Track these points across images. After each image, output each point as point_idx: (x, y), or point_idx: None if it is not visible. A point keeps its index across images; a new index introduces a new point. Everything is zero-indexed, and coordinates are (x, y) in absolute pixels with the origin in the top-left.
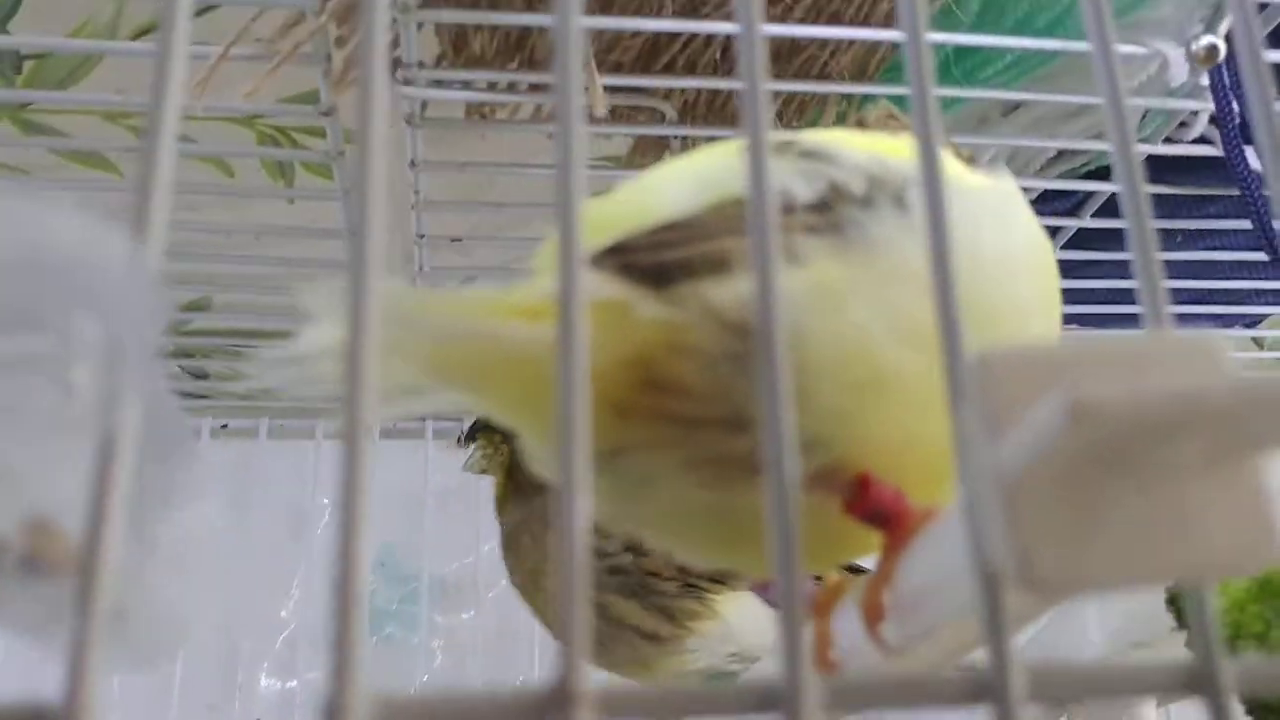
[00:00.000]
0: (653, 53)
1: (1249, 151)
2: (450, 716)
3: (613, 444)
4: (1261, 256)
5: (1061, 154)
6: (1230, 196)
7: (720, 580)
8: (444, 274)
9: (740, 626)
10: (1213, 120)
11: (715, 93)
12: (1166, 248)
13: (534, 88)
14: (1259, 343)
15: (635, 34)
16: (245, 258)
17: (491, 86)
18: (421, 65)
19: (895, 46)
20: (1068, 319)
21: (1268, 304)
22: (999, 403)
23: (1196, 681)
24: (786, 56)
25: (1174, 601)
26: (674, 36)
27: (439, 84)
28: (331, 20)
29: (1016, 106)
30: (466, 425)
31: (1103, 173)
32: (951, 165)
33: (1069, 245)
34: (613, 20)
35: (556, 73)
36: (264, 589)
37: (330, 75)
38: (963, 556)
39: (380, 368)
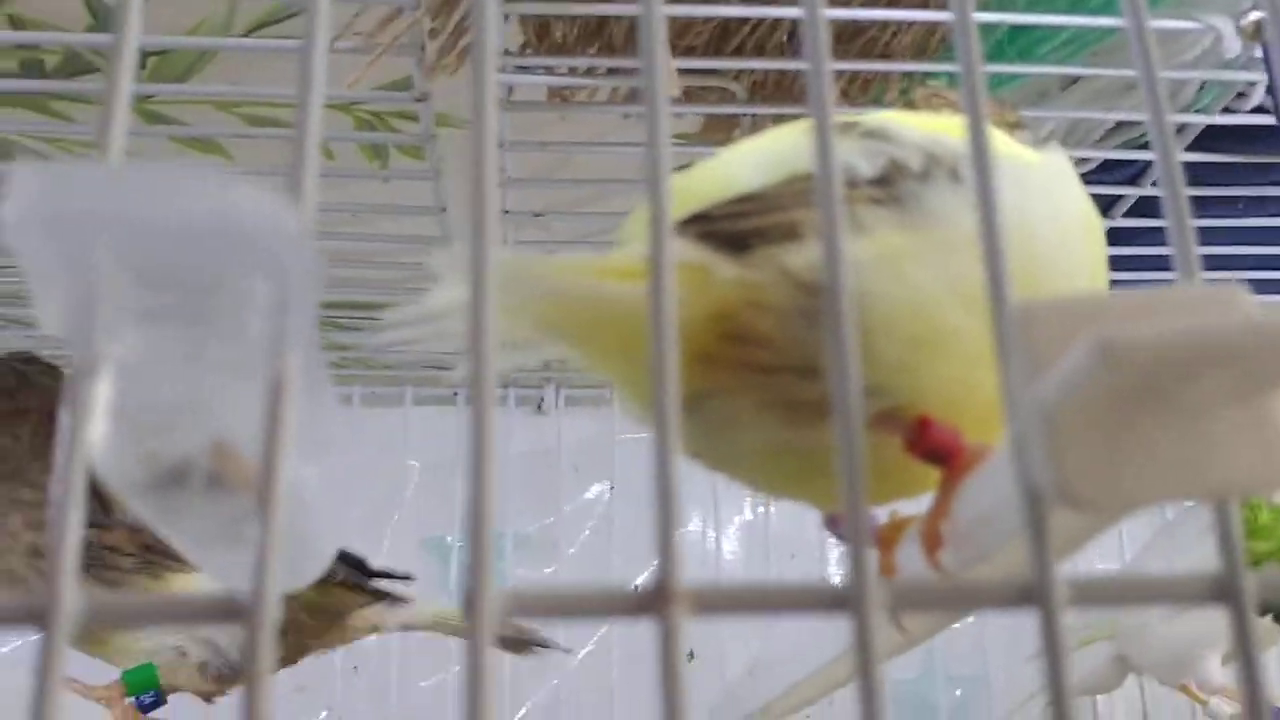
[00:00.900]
0: (723, 36)
1: None
2: (570, 606)
3: (699, 389)
4: None
5: (1121, 125)
6: None
7: (178, 559)
8: (527, 247)
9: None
10: (1269, 90)
11: (783, 73)
12: (1228, 215)
13: (611, 71)
14: None
15: (707, 19)
16: (341, 234)
17: (572, 71)
18: (508, 53)
19: (943, 36)
20: (1130, 284)
21: None
22: (1040, 346)
23: (1222, 591)
24: (850, 37)
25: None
26: (743, 21)
27: (524, 70)
28: (426, 14)
29: (1076, 80)
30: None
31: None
32: (1004, 142)
33: (1130, 213)
34: (686, 7)
35: (643, 57)
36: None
37: (424, 64)
38: (1013, 487)
39: (497, 324)
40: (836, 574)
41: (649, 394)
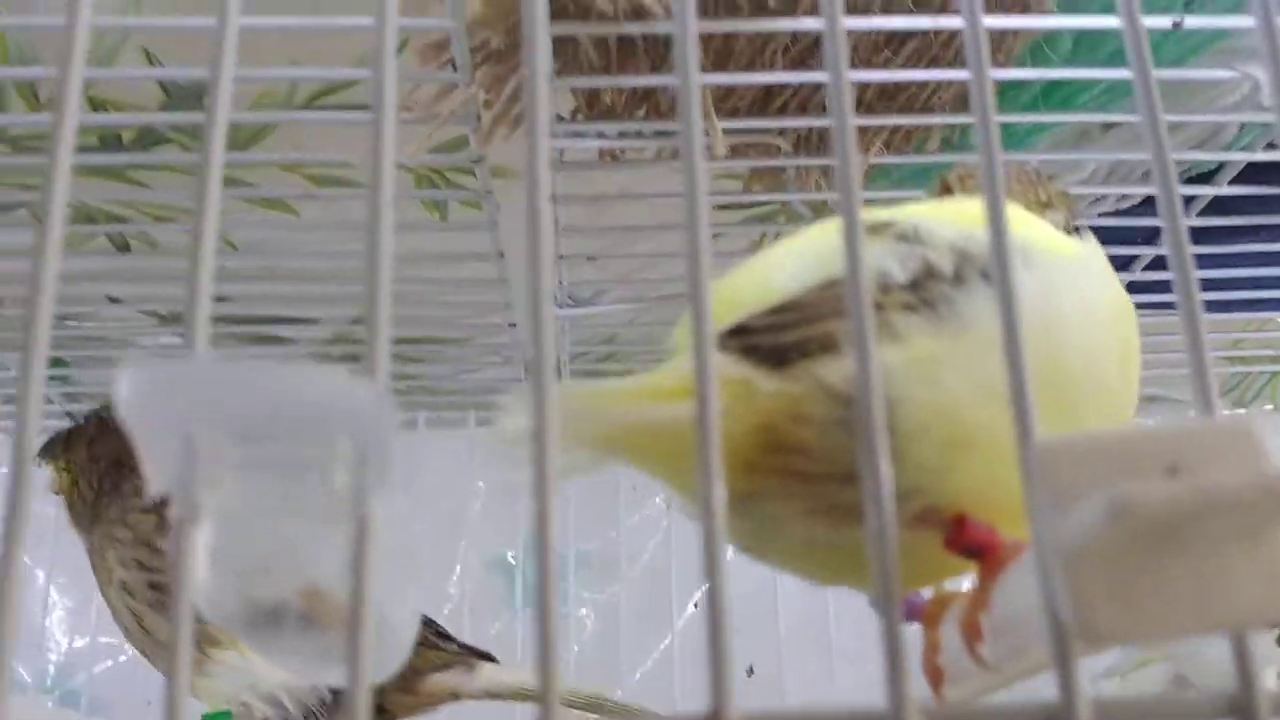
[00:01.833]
0: (767, 97)
1: None
2: None
3: (745, 491)
4: None
5: None
6: None
7: None
8: (581, 286)
9: (257, 661)
10: None
11: (826, 129)
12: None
13: (658, 133)
14: None
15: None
16: (407, 279)
17: (621, 134)
18: (560, 119)
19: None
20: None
21: None
22: (1061, 484)
23: (1237, 708)
24: (893, 93)
25: None
26: (785, 85)
27: (576, 135)
28: (479, 88)
29: (1115, 123)
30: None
31: (1204, 177)
32: (1035, 229)
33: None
34: (727, 76)
35: (684, 168)
36: (431, 566)
37: (479, 132)
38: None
39: (559, 449)
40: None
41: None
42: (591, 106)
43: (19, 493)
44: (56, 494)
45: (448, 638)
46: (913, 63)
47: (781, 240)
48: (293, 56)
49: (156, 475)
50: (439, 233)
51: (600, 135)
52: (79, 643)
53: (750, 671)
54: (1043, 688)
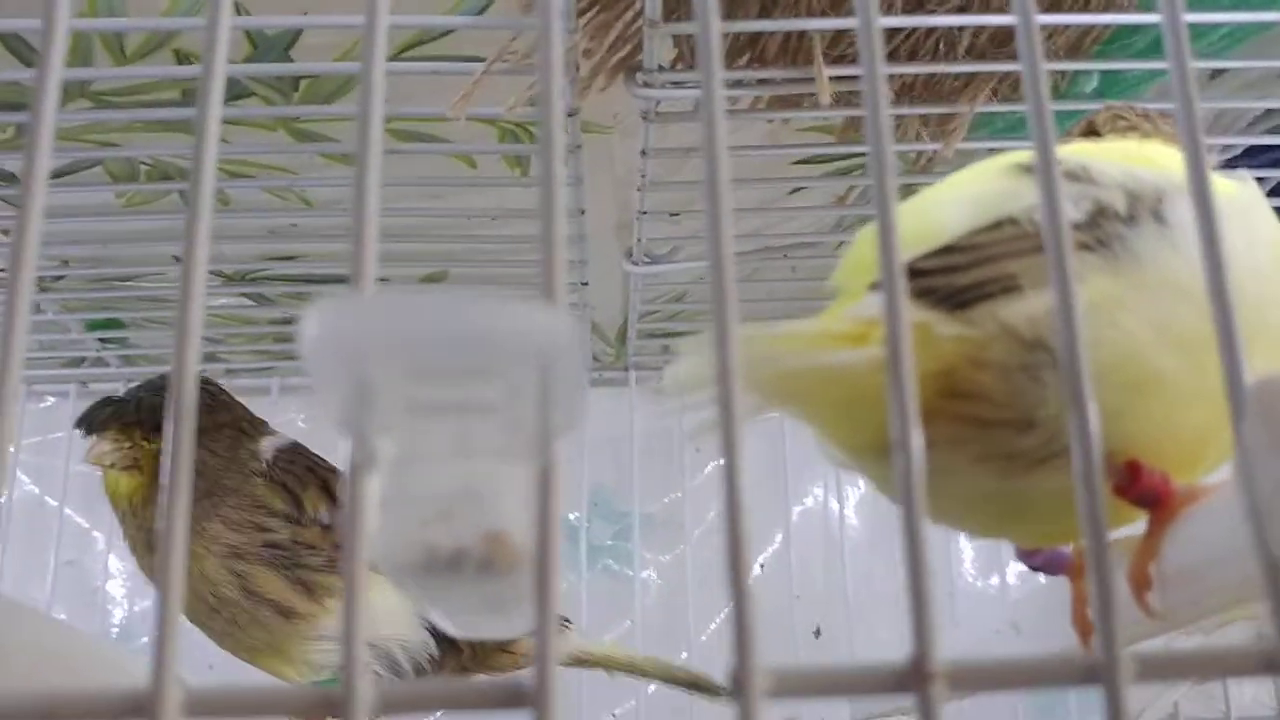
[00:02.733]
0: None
1: None
2: (830, 685)
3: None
4: None
5: (1269, 111)
6: None
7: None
8: (657, 243)
9: (374, 612)
10: None
11: (931, 75)
12: None
13: (761, 81)
14: None
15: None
16: (485, 236)
17: (731, 83)
18: (660, 68)
19: (1106, 29)
20: None
21: None
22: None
23: (1270, 663)
24: (1004, 40)
25: None
26: (896, 30)
27: (675, 85)
28: (584, 35)
29: (1222, 70)
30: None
31: None
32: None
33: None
34: (842, 20)
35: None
36: None
37: (576, 83)
38: (1232, 541)
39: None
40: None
41: (862, 444)
42: (694, 53)
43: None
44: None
45: None
46: (1044, 8)
47: (938, 183)
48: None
49: (337, 418)
50: (521, 189)
51: (698, 85)
52: (139, 606)
53: (818, 633)
54: None
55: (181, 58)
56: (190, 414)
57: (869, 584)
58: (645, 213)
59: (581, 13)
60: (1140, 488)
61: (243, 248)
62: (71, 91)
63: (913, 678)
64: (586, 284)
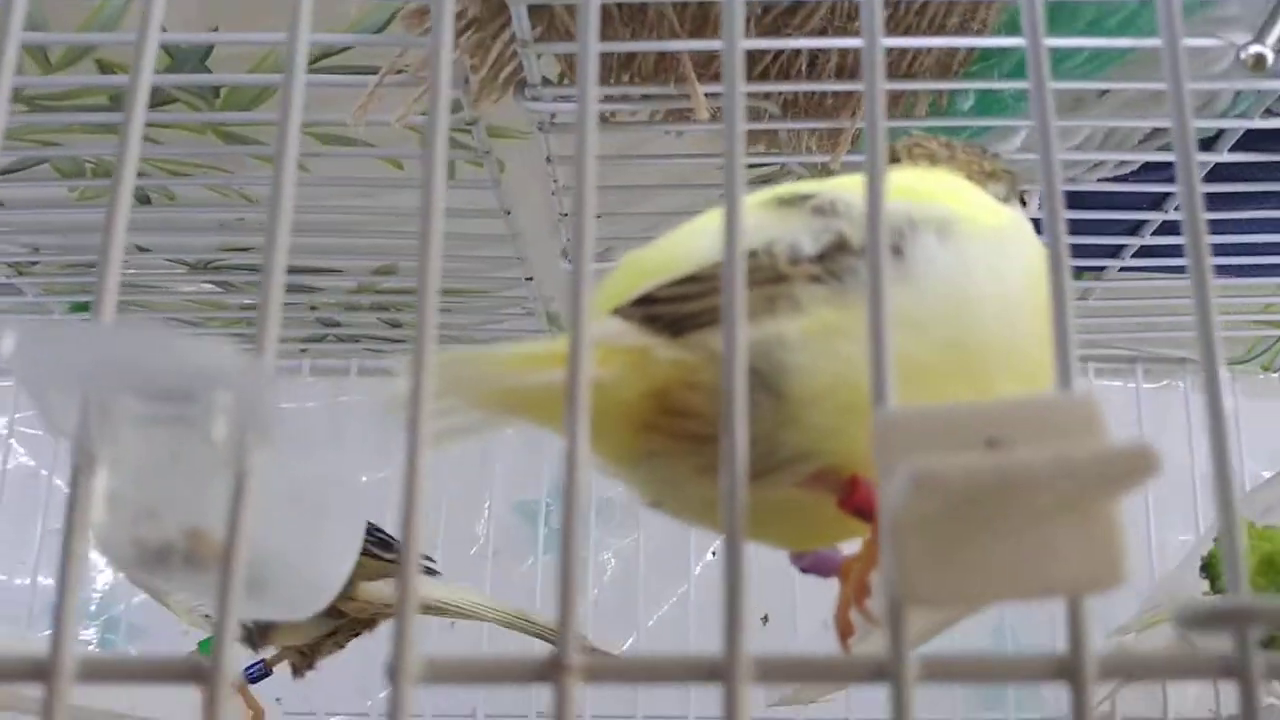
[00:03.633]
0: (751, 62)
1: None
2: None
3: (644, 450)
4: None
5: (1156, 130)
6: None
7: None
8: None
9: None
10: None
11: (813, 92)
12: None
13: (644, 97)
14: None
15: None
16: (414, 233)
17: (607, 98)
18: (547, 83)
19: (971, 51)
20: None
21: None
22: (890, 456)
23: (1065, 671)
24: None
25: (1209, 570)
26: (764, 50)
27: (564, 99)
28: (464, 53)
29: (1109, 90)
30: None
31: (1203, 145)
32: (964, 198)
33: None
34: (709, 42)
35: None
36: (460, 512)
37: (469, 94)
38: None
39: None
40: None
41: (604, 454)
42: (574, 70)
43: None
44: None
45: (389, 547)
46: (889, 31)
47: (700, 216)
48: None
49: (52, 426)
50: (449, 191)
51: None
52: (121, 575)
53: (765, 620)
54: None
55: (104, 67)
56: None
57: None
58: (566, 215)
59: (460, 32)
60: (857, 500)
61: (199, 239)
62: None
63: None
64: (531, 279)
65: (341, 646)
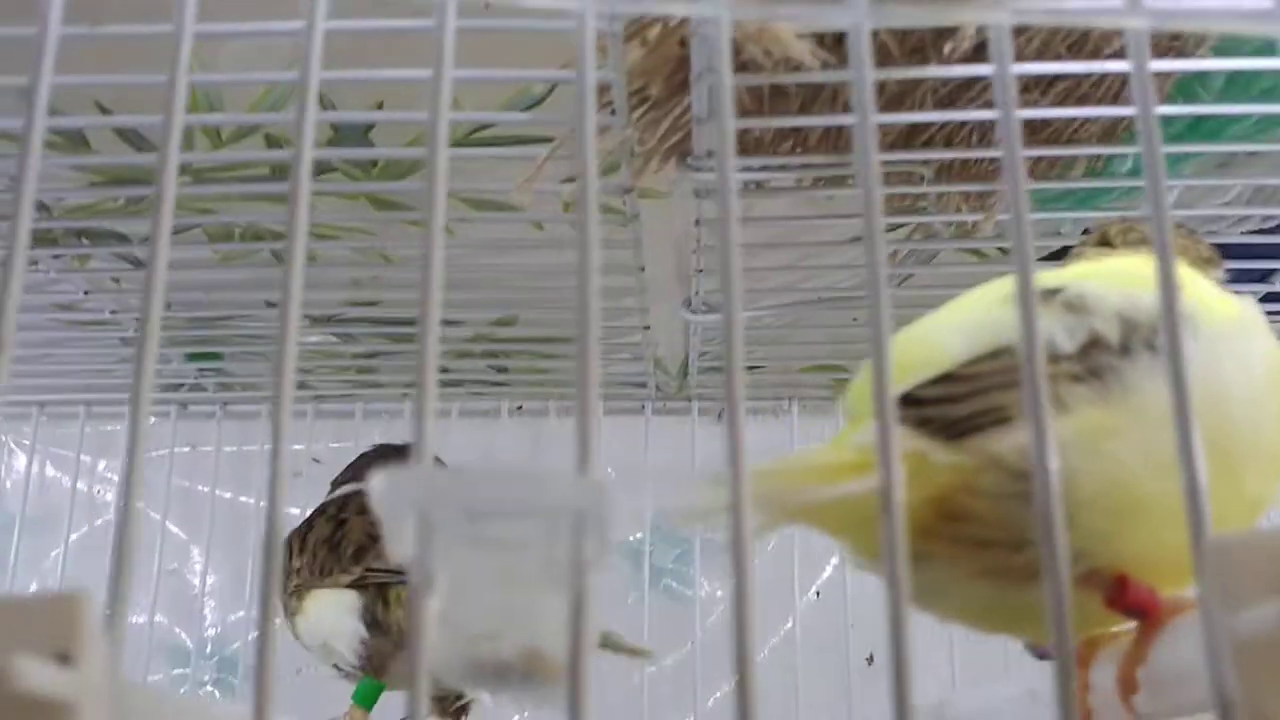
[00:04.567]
0: (913, 132)
1: None
2: None
3: (918, 554)
4: None
5: None
6: None
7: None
8: (714, 294)
9: (319, 620)
10: None
11: (967, 160)
12: None
13: (804, 166)
14: None
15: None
16: (548, 287)
17: (765, 167)
18: (710, 154)
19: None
20: None
21: None
22: (1231, 584)
23: None
24: (1037, 130)
25: None
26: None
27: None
28: (633, 128)
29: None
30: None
31: None
32: (1196, 289)
33: None
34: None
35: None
36: None
37: (633, 166)
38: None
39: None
40: None
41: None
42: (740, 141)
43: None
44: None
45: None
46: (1060, 100)
47: (950, 302)
48: (455, 99)
49: (397, 547)
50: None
51: (746, 168)
52: (233, 616)
53: (870, 660)
54: None
55: (271, 141)
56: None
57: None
58: (701, 270)
59: (635, 108)
60: (1128, 601)
61: (328, 295)
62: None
63: None
64: (649, 327)
65: None
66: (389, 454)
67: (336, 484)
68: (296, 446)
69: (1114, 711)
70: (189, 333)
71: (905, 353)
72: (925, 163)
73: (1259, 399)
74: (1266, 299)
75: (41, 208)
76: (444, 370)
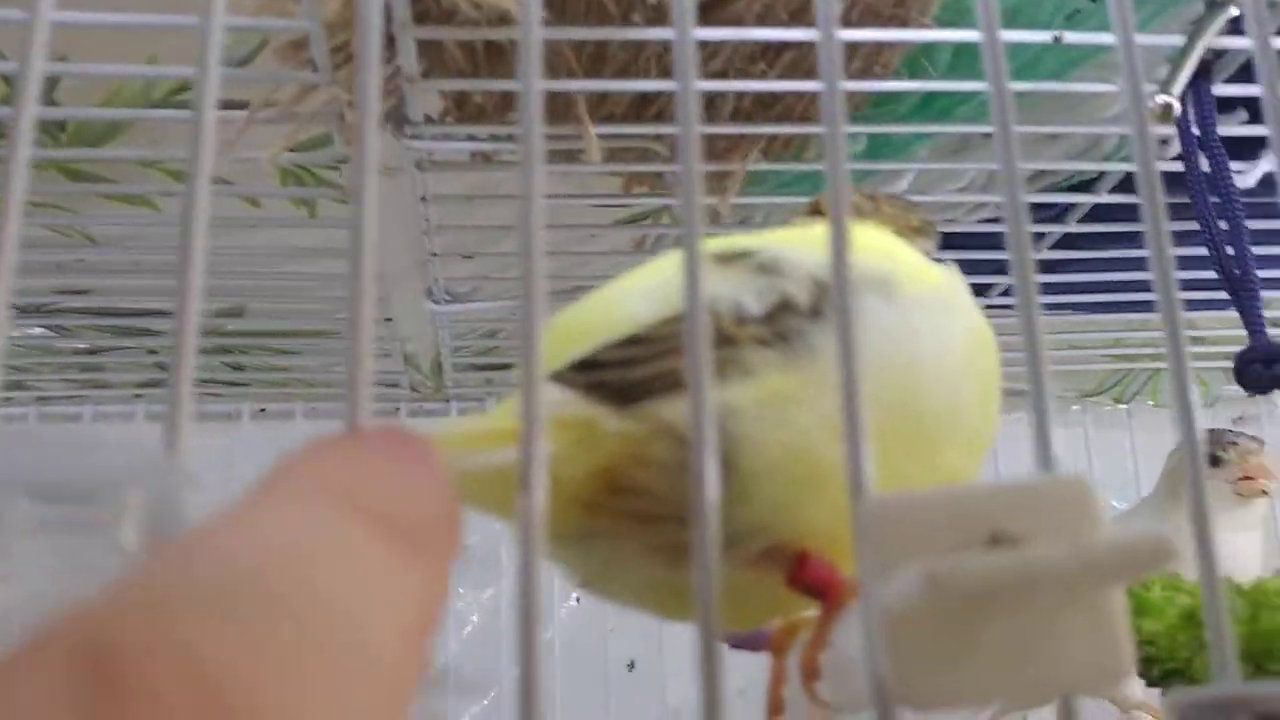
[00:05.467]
0: (642, 104)
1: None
2: None
3: (585, 531)
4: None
5: (1040, 171)
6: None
7: None
8: (456, 282)
9: None
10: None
11: (704, 135)
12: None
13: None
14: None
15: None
16: (274, 274)
17: (492, 136)
18: (429, 120)
19: (869, 93)
20: (1060, 307)
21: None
22: (884, 549)
23: None
24: (769, 103)
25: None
26: (660, 91)
27: (445, 136)
28: (341, 86)
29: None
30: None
31: (1085, 185)
32: (900, 258)
33: (1055, 246)
34: (598, 83)
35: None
36: None
37: (344, 131)
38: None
39: None
40: None
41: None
42: (461, 108)
43: None
44: None
45: None
46: (789, 73)
47: (641, 265)
48: (150, 54)
49: None
50: (309, 229)
51: (471, 137)
52: None
53: (632, 666)
54: None
55: None
56: None
57: None
58: (436, 255)
59: (338, 66)
60: (807, 578)
61: (30, 281)
62: None
63: None
64: (390, 319)
65: None
66: None
67: None
68: None
69: (805, 703)
70: None
71: (592, 316)
72: (659, 137)
73: (958, 369)
74: (1006, 292)
75: None
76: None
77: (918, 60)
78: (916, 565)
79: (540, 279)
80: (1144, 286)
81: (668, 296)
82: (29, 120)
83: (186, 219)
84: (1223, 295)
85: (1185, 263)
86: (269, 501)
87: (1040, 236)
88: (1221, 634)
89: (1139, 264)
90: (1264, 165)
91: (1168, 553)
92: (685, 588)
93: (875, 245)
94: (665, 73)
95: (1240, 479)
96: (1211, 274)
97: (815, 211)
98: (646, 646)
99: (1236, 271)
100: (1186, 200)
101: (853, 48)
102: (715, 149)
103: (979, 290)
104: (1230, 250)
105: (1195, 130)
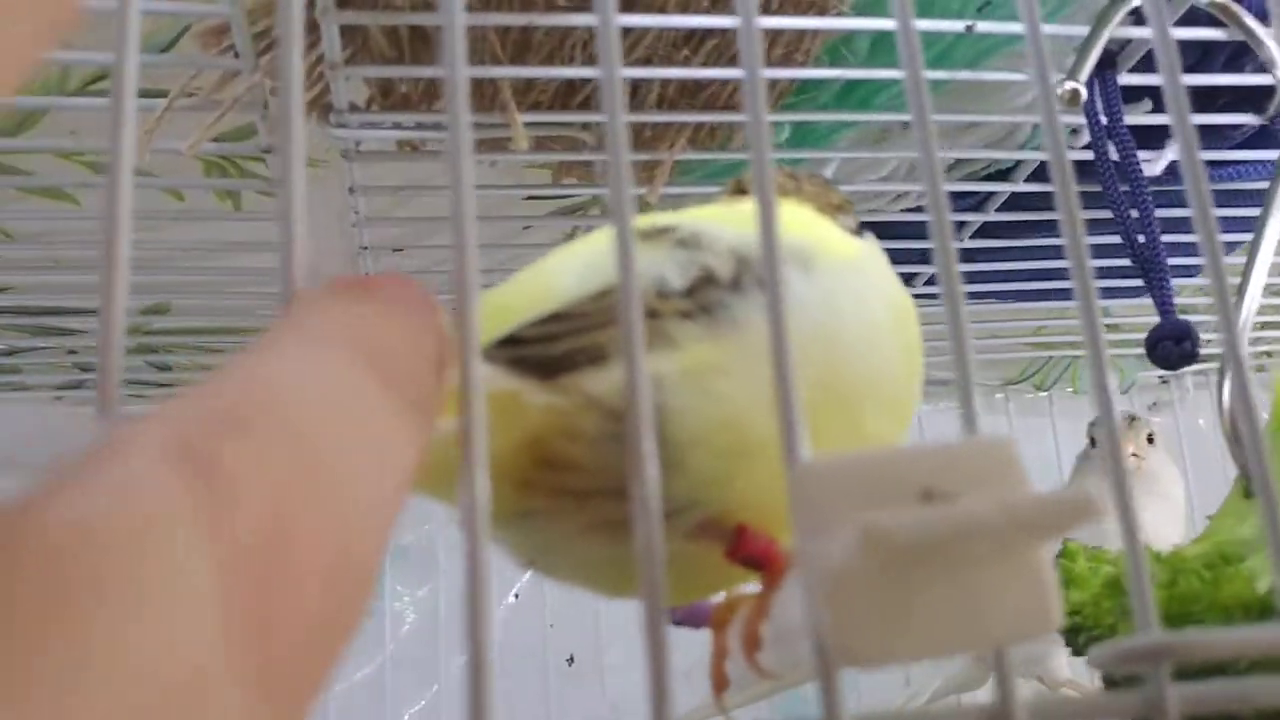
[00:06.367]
0: (569, 92)
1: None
2: None
3: (519, 509)
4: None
5: (960, 160)
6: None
7: None
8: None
9: None
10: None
11: (631, 123)
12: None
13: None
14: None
15: (549, 79)
16: (200, 269)
17: (419, 125)
18: (354, 109)
19: (793, 82)
20: (982, 295)
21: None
22: (817, 510)
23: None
24: (694, 91)
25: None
26: (587, 80)
27: (371, 125)
28: (264, 75)
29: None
30: None
31: (1002, 174)
32: (818, 233)
33: (976, 235)
34: (524, 70)
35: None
36: None
37: (268, 120)
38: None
39: None
40: None
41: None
42: (386, 96)
43: None
44: None
45: None
46: (713, 61)
47: (562, 247)
48: (65, 40)
49: None
50: (234, 222)
51: (397, 125)
52: None
53: (571, 661)
54: None
55: None
56: None
57: (621, 610)
58: (366, 248)
59: (261, 53)
60: (745, 551)
61: None
62: None
63: None
64: None
65: None
66: None
67: None
68: None
69: (748, 675)
70: None
71: (519, 293)
72: (586, 127)
73: (877, 338)
74: (930, 281)
75: None
76: (91, 369)
77: (838, 49)
78: (851, 523)
79: (474, 271)
80: (1063, 275)
81: (593, 273)
82: None
83: (110, 213)
84: (1137, 283)
85: (1100, 251)
86: (281, 347)
87: (962, 225)
88: (1143, 592)
89: (1057, 252)
90: (1169, 154)
91: (1090, 508)
92: (627, 563)
93: (794, 220)
94: (590, 60)
95: None
96: (1125, 261)
97: (737, 191)
98: (585, 642)
99: (1147, 254)
100: (1099, 189)
101: (774, 36)
102: (642, 138)
103: (904, 280)
104: (1141, 238)
105: (1103, 119)
